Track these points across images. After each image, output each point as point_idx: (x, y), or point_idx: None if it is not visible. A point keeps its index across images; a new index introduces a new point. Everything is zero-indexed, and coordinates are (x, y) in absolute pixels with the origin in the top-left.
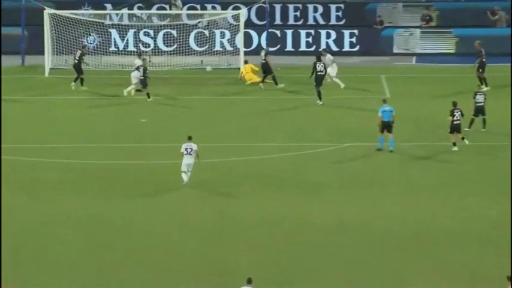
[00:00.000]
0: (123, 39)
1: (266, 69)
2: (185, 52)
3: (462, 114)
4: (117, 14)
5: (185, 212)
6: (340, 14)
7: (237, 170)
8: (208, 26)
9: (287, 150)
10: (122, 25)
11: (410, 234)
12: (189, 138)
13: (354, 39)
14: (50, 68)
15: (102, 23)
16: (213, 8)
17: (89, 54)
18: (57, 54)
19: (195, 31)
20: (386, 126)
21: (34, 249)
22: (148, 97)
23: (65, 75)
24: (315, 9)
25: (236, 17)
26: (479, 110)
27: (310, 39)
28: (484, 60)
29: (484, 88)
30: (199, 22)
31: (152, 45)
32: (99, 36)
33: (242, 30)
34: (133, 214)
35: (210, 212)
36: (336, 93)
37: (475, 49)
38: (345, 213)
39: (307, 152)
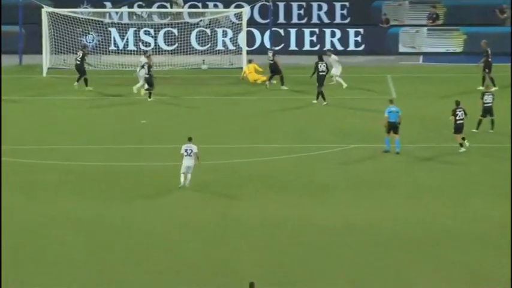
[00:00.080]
0: (123, 38)
1: (274, 70)
2: (186, 51)
3: (465, 114)
4: (116, 13)
5: (187, 214)
6: (345, 12)
7: (240, 171)
8: (210, 24)
9: (291, 151)
10: (121, 24)
11: (413, 235)
12: (189, 139)
13: (359, 38)
14: (48, 68)
15: (102, 21)
16: (215, 6)
17: (89, 54)
18: (55, 53)
19: (196, 30)
20: (393, 127)
21: (34, 250)
22: (149, 97)
23: (64, 75)
24: (319, 7)
25: (239, 16)
26: (487, 111)
27: (314, 38)
28: (489, 60)
29: (492, 88)
30: (200, 20)
31: (153, 44)
32: (98, 35)
33: (245, 29)
34: (133, 215)
35: (212, 213)
36: (341, 93)
37: (482, 48)
38: (351, 215)
39: (312, 153)
